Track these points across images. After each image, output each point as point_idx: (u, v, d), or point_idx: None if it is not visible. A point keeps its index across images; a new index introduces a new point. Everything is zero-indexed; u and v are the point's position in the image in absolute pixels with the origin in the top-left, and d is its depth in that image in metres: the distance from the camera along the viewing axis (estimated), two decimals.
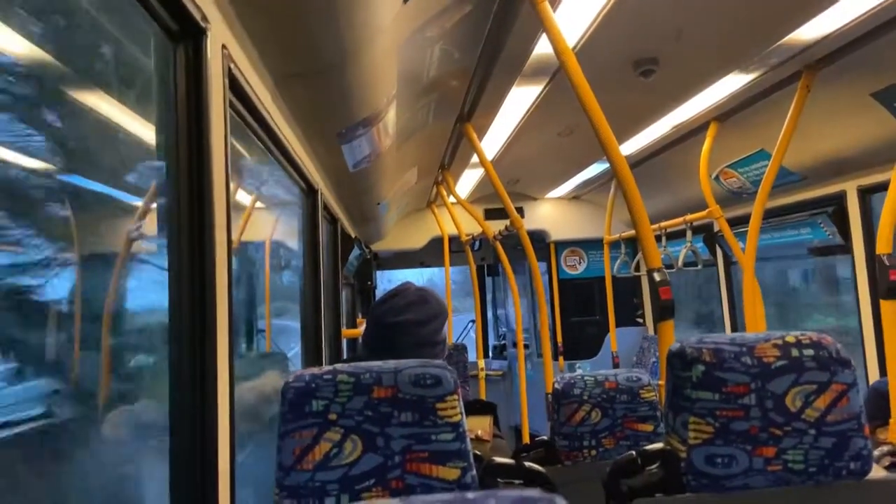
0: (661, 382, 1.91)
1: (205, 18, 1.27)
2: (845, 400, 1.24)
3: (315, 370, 1.25)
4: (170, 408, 1.29)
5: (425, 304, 1.91)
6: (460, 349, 5.92)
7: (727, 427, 1.22)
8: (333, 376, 1.22)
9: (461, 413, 1.21)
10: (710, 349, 1.26)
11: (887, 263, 2.40)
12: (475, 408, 1.98)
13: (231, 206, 1.50)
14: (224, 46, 1.42)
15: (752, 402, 1.23)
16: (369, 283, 6.62)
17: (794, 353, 1.25)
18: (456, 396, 1.21)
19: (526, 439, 5.48)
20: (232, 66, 1.47)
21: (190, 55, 1.26)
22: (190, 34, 1.26)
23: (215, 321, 1.32)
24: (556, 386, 2.08)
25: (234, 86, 1.53)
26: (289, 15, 1.60)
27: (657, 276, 2.10)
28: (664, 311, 2.09)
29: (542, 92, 3.53)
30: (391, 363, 1.25)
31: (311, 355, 3.10)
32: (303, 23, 1.65)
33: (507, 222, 4.46)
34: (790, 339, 1.27)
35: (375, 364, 1.25)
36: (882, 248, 2.45)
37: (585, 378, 2.08)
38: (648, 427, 2.08)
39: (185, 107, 1.29)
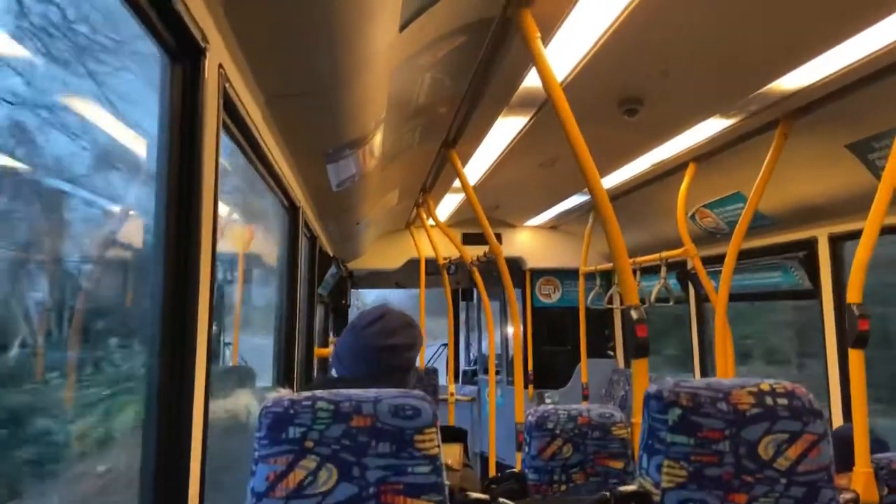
0: (635, 420, 1.92)
1: (204, 38, 1.28)
2: (816, 450, 1.26)
3: (294, 395, 1.25)
4: (145, 415, 1.27)
5: (410, 328, 1.89)
6: (431, 373, 5.90)
7: (701, 472, 1.24)
8: (313, 403, 1.21)
9: (439, 446, 1.21)
10: (687, 393, 1.28)
11: (857, 313, 2.46)
12: (446, 435, 1.96)
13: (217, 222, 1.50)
14: (220, 66, 1.42)
15: (726, 449, 1.25)
16: (344, 301, 6.58)
17: (769, 401, 1.27)
18: (434, 429, 1.22)
19: (492, 467, 5.47)
20: (227, 85, 1.47)
21: (188, 74, 1.27)
22: (189, 53, 1.26)
23: (196, 333, 1.31)
24: (529, 418, 2.09)
25: (228, 105, 1.54)
26: (286, 36, 1.61)
27: (634, 314, 2.12)
28: (639, 349, 2.11)
29: (527, 123, 3.58)
30: (372, 392, 1.25)
31: (283, 373, 3.07)
32: (299, 44, 1.66)
33: (485, 248, 4.48)
34: (765, 386, 1.29)
35: (355, 392, 1.24)
36: (852, 297, 2.51)
37: (559, 412, 2.09)
38: (619, 464, 2.09)
39: (180, 124, 1.30)
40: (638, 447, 1.35)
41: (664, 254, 4.39)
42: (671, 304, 4.68)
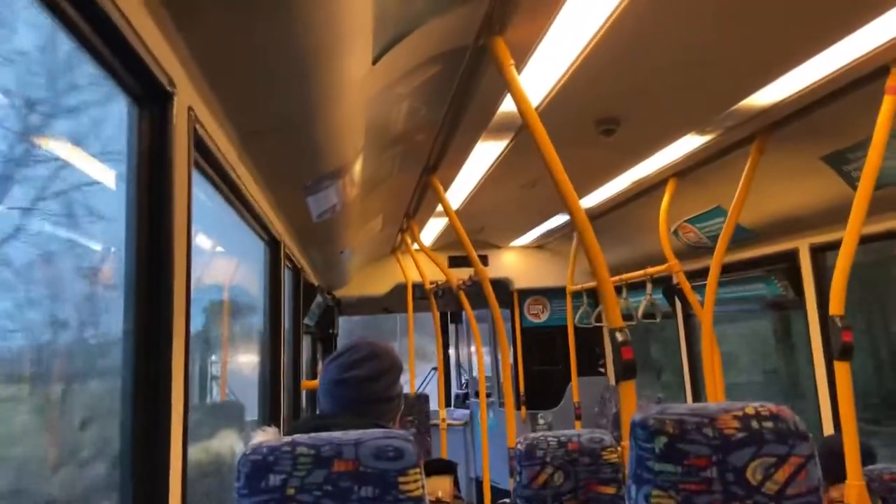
0: (624, 444, 1.90)
1: (171, 83, 1.27)
2: (804, 473, 1.25)
3: (273, 441, 1.22)
4: (120, 461, 1.24)
5: (375, 359, 1.86)
6: (422, 399, 5.86)
7: (690, 500, 1.22)
8: (292, 448, 1.18)
9: (422, 487, 1.19)
10: (672, 420, 1.26)
11: (840, 325, 2.46)
12: (435, 467, 1.94)
13: (192, 261, 1.47)
14: (190, 108, 1.41)
15: (714, 475, 1.24)
16: (331, 330, 6.53)
17: (755, 425, 1.26)
18: (418, 470, 1.19)
19: (487, 492, 5.41)
20: (198, 126, 1.46)
21: (156, 118, 1.25)
22: (156, 98, 1.25)
23: (170, 383, 1.28)
24: (519, 447, 2.06)
25: (200, 145, 1.53)
26: (257, 75, 1.61)
27: (619, 337, 2.11)
28: (626, 372, 2.09)
29: (506, 147, 3.59)
30: (353, 434, 1.22)
31: (270, 407, 3.03)
32: (271, 82, 1.65)
33: (472, 271, 4.47)
34: (749, 410, 1.28)
35: (336, 435, 1.22)
36: (835, 309, 2.51)
37: (548, 439, 2.07)
38: (611, 489, 2.07)
39: (149, 168, 1.28)
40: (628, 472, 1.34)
41: (649, 270, 4.40)
42: (658, 320, 4.68)
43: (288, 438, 1.21)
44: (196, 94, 1.48)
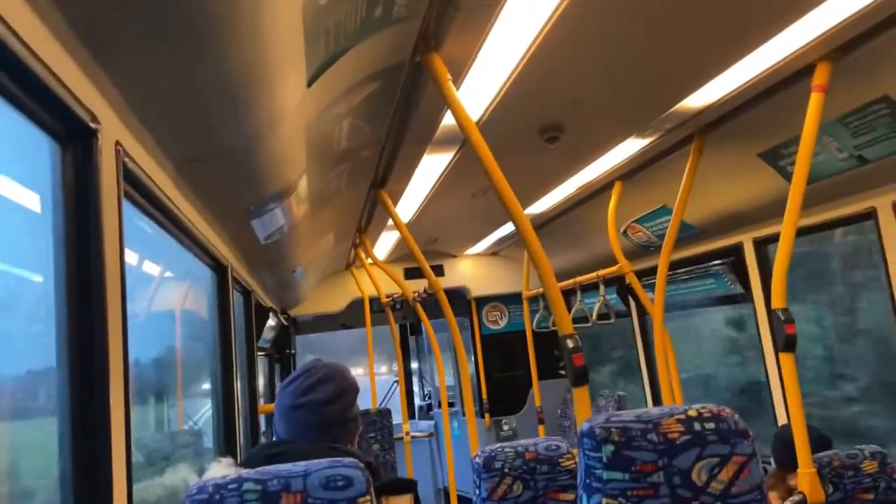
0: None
1: (95, 119, 1.24)
2: (746, 471, 1.28)
3: (219, 478, 1.20)
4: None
5: (331, 382, 1.85)
6: (384, 414, 5.83)
7: None
8: (239, 485, 1.16)
9: None
10: (617, 428, 1.28)
11: (783, 318, 2.53)
12: (395, 487, 1.93)
13: (126, 292, 1.44)
14: (118, 143, 1.38)
15: (661, 480, 1.26)
16: (288, 350, 6.45)
17: (697, 426, 1.29)
18: (368, 497, 1.18)
19: (454, 501, 5.41)
20: (127, 160, 1.43)
21: (79, 156, 1.22)
22: (79, 136, 1.22)
23: (109, 426, 1.25)
24: (477, 459, 2.07)
25: (130, 178, 1.49)
26: (187, 105, 1.58)
27: (570, 343, 2.13)
28: (578, 378, 2.12)
29: (453, 158, 3.60)
30: (301, 465, 1.21)
31: (224, 435, 2.97)
32: (202, 112, 1.63)
33: (426, 282, 4.47)
34: (692, 412, 1.31)
35: (284, 467, 1.20)
36: (777, 302, 2.58)
37: (506, 450, 2.08)
38: (570, 496, 2.08)
39: (75, 204, 1.25)
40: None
41: (601, 272, 4.46)
42: (612, 321, 4.75)
43: (235, 474, 1.19)
44: (124, 127, 1.45)
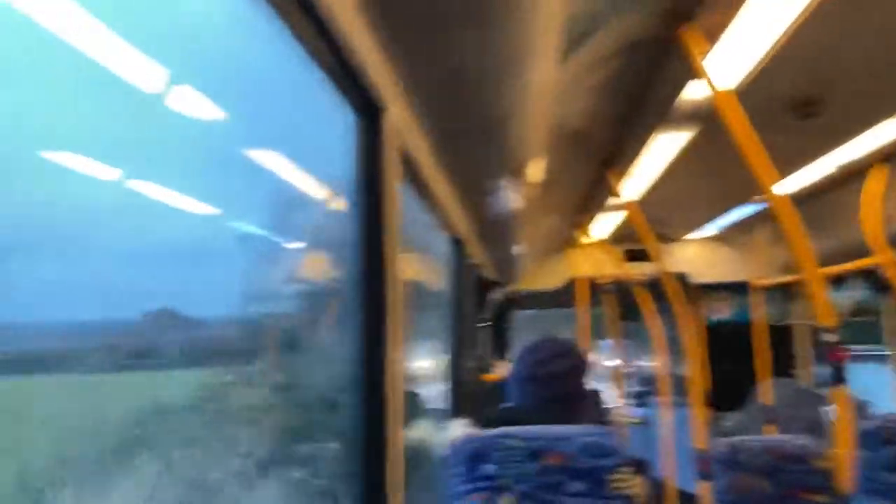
0: (839, 451, 1.78)
1: (382, 98, 1.38)
2: None
3: (481, 432, 1.28)
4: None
5: (564, 359, 1.91)
6: (593, 395, 5.78)
7: None
8: (504, 440, 1.23)
9: (635, 486, 1.19)
10: None
11: None
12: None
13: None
14: (397, 118, 1.52)
15: None
16: (506, 324, 6.63)
17: None
18: (630, 468, 1.19)
19: (672, 497, 5.22)
20: (404, 133, 1.57)
21: (371, 129, 1.37)
22: (372, 111, 1.36)
23: (385, 367, 1.39)
24: (720, 449, 1.98)
25: (403, 150, 1.63)
26: (452, 81, 1.68)
27: (830, 337, 1.95)
28: (837, 376, 1.94)
29: (688, 136, 3.44)
30: (560, 428, 1.25)
31: (454, 399, 3.15)
32: (464, 88, 1.73)
33: (648, 265, 4.34)
34: None
35: (544, 429, 1.25)
36: None
37: (752, 443, 1.97)
38: (823, 498, 1.92)
39: (367, 173, 1.42)
40: (843, 480, 1.25)
41: (858, 263, 4.00)
42: (872, 317, 4.25)
43: (497, 430, 1.27)
44: (402, 103, 1.59)
